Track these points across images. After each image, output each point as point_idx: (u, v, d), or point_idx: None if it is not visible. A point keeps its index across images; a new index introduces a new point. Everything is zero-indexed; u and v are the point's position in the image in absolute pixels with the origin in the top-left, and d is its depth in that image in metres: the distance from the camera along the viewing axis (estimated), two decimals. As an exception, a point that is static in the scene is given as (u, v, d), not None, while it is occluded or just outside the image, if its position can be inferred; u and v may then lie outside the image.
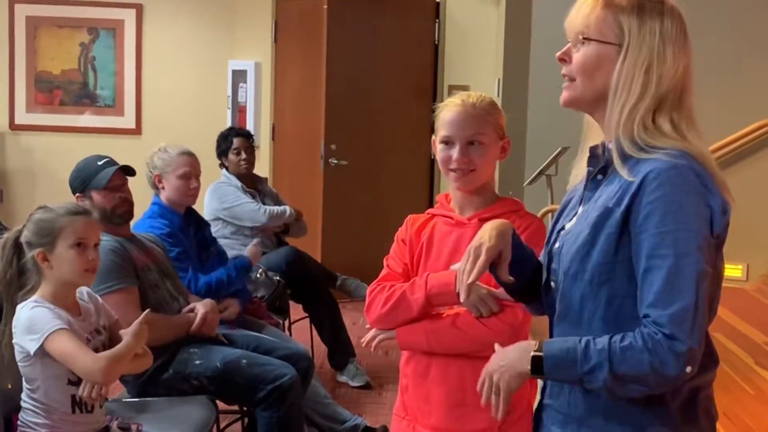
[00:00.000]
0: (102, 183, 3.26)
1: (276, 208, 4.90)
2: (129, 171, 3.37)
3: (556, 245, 1.69)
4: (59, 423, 2.48)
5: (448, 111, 2.22)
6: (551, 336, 1.70)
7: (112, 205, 3.27)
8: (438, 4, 7.15)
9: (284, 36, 7.15)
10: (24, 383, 2.50)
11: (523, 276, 1.77)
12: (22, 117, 7.36)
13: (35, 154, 7.39)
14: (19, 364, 2.48)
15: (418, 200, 6.73)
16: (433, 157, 2.41)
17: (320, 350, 4.91)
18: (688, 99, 1.60)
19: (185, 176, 3.83)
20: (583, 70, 1.61)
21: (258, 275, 4.35)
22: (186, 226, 3.88)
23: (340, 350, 4.84)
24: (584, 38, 1.61)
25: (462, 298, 1.70)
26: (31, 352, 2.41)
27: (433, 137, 2.28)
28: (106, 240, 3.05)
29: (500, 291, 2.05)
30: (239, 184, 4.87)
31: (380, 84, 7.02)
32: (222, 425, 3.47)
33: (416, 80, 7.17)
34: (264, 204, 4.93)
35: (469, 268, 1.67)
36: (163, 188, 3.84)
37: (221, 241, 4.58)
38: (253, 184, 5.01)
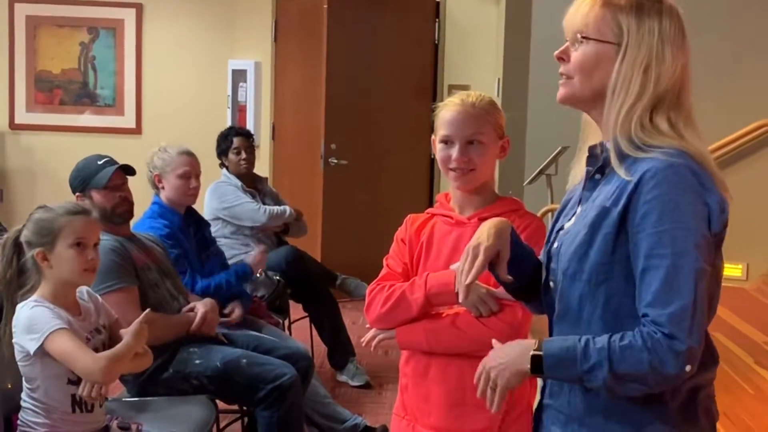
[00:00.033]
0: (102, 182, 3.27)
1: (276, 208, 4.90)
2: (129, 170, 3.37)
3: (555, 245, 1.69)
4: (59, 422, 2.48)
5: (447, 110, 2.22)
6: (551, 336, 1.70)
7: (112, 204, 3.27)
8: (438, 3, 7.15)
9: (284, 35, 7.15)
10: (24, 383, 2.50)
11: (522, 275, 1.77)
12: (22, 116, 7.36)
13: (35, 153, 7.39)
14: (18, 363, 2.48)
15: (417, 200, 6.73)
16: (433, 156, 2.41)
17: (320, 350, 4.91)
18: (686, 98, 1.60)
19: (185, 176, 3.83)
20: (582, 69, 1.61)
21: (258, 275, 4.35)
22: (186, 226, 3.89)
23: (340, 350, 4.84)
24: (583, 37, 1.61)
25: (461, 299, 1.70)
26: (31, 352, 2.41)
27: (433, 137, 2.28)
28: (106, 239, 3.05)
29: (500, 290, 2.06)
30: (239, 183, 4.87)
31: (380, 83, 7.02)
32: (222, 425, 3.47)
33: (416, 80, 7.17)
34: (264, 203, 4.93)
35: (467, 268, 1.67)
36: (162, 188, 3.84)
37: (221, 241, 4.59)
38: (253, 184, 5.01)
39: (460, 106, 2.21)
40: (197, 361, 3.24)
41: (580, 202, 1.68)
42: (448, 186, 2.30)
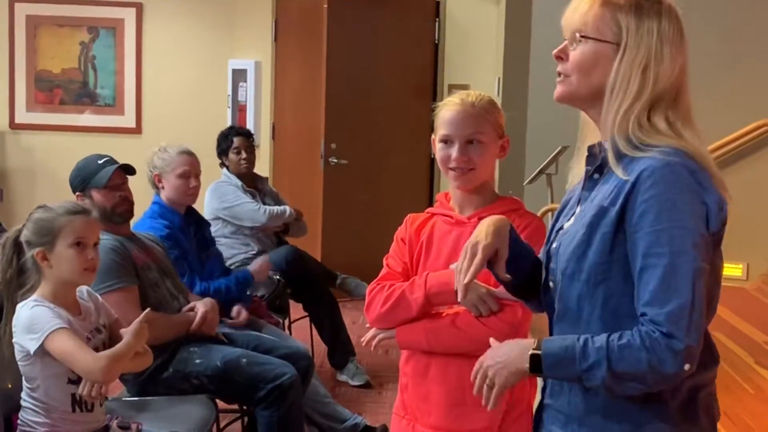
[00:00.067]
0: (102, 182, 3.27)
1: (276, 208, 4.90)
2: (129, 170, 3.37)
3: (554, 245, 1.69)
4: (59, 422, 2.48)
5: (447, 110, 2.22)
6: (551, 336, 1.70)
7: (112, 203, 3.28)
8: (438, 3, 7.15)
9: (284, 35, 7.15)
10: (24, 382, 2.50)
11: (521, 273, 1.77)
12: (22, 116, 7.36)
13: (35, 153, 7.39)
14: (19, 363, 2.48)
15: (418, 199, 6.74)
16: (433, 156, 2.40)
17: (320, 349, 4.91)
18: (684, 98, 1.60)
19: (184, 175, 3.83)
20: (580, 68, 1.61)
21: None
22: (186, 225, 3.89)
23: (340, 349, 4.84)
24: (582, 36, 1.61)
25: (459, 298, 1.70)
26: (31, 352, 2.41)
27: (433, 136, 2.28)
28: (106, 239, 3.05)
29: (499, 290, 2.06)
30: (239, 183, 4.87)
31: (380, 83, 7.02)
32: (222, 424, 3.47)
33: (416, 79, 7.17)
34: (264, 203, 4.93)
35: (465, 267, 1.67)
36: (162, 188, 3.84)
37: (221, 241, 4.59)
38: (253, 184, 5.01)
39: (460, 105, 2.21)
40: (197, 361, 3.24)
41: (579, 202, 1.68)
42: (448, 185, 2.30)
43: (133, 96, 7.33)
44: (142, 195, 3.62)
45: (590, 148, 1.67)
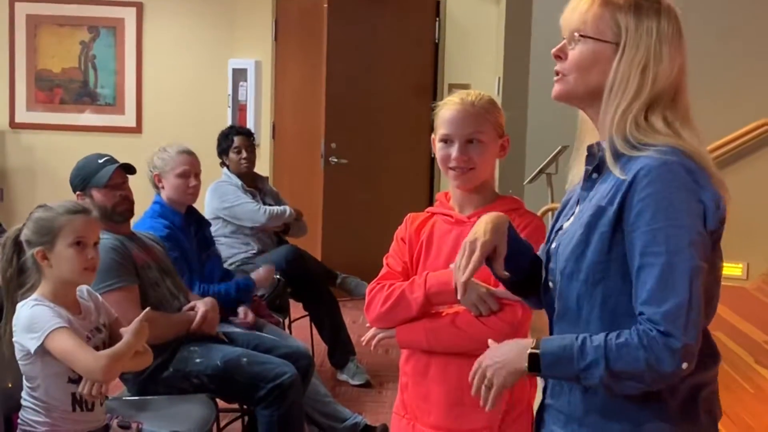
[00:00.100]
0: (102, 181, 3.27)
1: (276, 208, 4.90)
2: (129, 169, 3.38)
3: (554, 245, 1.69)
4: (59, 421, 2.48)
5: (446, 109, 2.22)
6: (551, 335, 1.70)
7: (112, 203, 3.28)
8: (438, 2, 7.15)
9: (284, 34, 7.15)
10: (24, 381, 2.50)
11: (519, 270, 1.77)
12: (22, 115, 7.36)
13: (35, 152, 7.39)
14: (19, 362, 2.48)
15: (418, 199, 6.74)
16: (433, 155, 2.40)
17: (320, 348, 4.92)
18: (682, 98, 1.60)
19: (184, 175, 3.83)
20: (579, 68, 1.61)
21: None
22: (187, 225, 3.89)
23: (340, 348, 4.85)
24: (581, 36, 1.60)
25: (459, 295, 1.70)
26: (32, 351, 2.41)
27: (433, 136, 2.28)
28: (107, 238, 3.06)
29: (499, 290, 2.06)
30: (240, 183, 4.88)
31: (380, 83, 7.02)
32: (222, 424, 3.47)
33: (416, 79, 7.17)
34: (264, 203, 4.94)
35: (464, 264, 1.67)
36: (162, 188, 3.84)
37: (221, 240, 4.60)
38: (253, 183, 5.01)
39: (460, 105, 2.21)
40: (197, 360, 3.24)
41: (578, 202, 1.68)
42: (448, 185, 2.30)
43: (134, 95, 7.33)
44: (142, 194, 3.62)
45: (589, 148, 1.67)
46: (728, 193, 1.55)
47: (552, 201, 5.76)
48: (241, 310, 3.84)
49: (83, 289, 2.61)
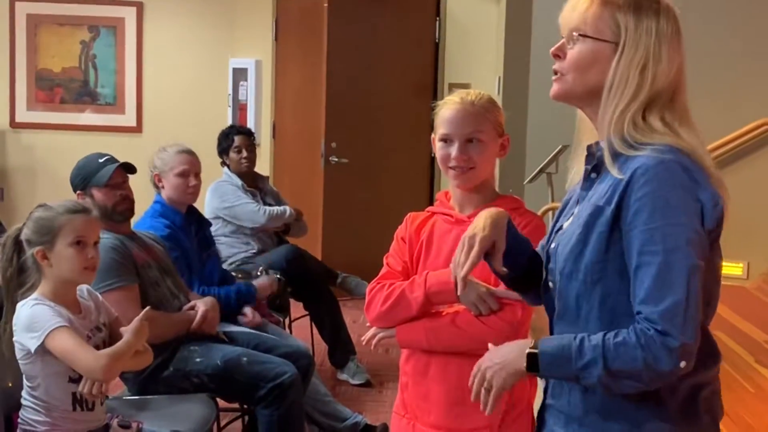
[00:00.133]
0: (103, 180, 3.27)
1: (276, 209, 4.90)
2: (130, 168, 3.38)
3: (553, 245, 1.69)
4: (60, 421, 2.48)
5: (446, 109, 2.22)
6: (551, 335, 1.70)
7: (112, 202, 3.28)
8: (438, 1, 7.15)
9: (285, 34, 7.15)
10: (24, 381, 2.50)
11: (518, 265, 1.77)
12: (22, 115, 7.36)
13: (36, 152, 7.39)
14: (19, 361, 2.48)
15: (418, 198, 6.74)
16: (433, 155, 2.40)
17: (321, 348, 4.92)
18: (681, 98, 1.60)
19: (184, 174, 3.83)
20: (577, 67, 1.61)
21: (258, 273, 4.35)
22: (187, 225, 3.89)
23: (341, 348, 4.85)
24: (580, 35, 1.60)
25: (458, 291, 1.70)
26: (32, 350, 2.41)
27: (433, 135, 2.28)
28: (107, 237, 3.06)
29: (499, 289, 2.06)
30: (240, 182, 4.88)
31: (381, 82, 7.02)
32: (222, 423, 3.47)
33: (417, 78, 7.17)
34: (265, 202, 4.94)
35: (462, 259, 1.67)
36: (163, 187, 3.84)
37: (221, 240, 4.60)
38: (254, 183, 5.02)
39: (460, 104, 2.21)
40: (198, 360, 3.24)
41: (578, 202, 1.68)
42: (449, 184, 2.30)
43: (134, 95, 7.33)
44: (143, 194, 3.62)
45: (588, 148, 1.66)
46: (727, 192, 1.55)
47: (552, 200, 5.76)
48: (248, 310, 3.83)
49: (83, 289, 2.61)
